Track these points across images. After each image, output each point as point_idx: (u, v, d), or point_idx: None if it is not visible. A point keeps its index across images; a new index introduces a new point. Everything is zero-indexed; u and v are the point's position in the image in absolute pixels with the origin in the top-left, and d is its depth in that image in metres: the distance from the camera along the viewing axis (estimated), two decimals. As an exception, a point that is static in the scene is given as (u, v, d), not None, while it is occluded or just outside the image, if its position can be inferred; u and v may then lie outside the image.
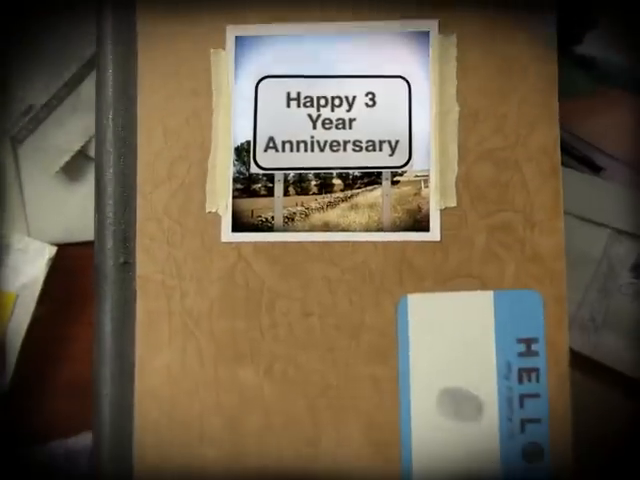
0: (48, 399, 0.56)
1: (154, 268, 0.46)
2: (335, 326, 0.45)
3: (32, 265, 0.52)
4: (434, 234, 0.45)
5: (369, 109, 0.46)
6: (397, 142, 0.45)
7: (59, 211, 0.56)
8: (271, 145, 0.46)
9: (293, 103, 0.46)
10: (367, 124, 0.46)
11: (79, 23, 0.57)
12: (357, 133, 0.46)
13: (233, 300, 0.46)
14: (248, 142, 0.46)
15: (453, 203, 0.45)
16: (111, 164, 0.47)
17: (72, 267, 0.54)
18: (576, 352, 0.51)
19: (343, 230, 0.45)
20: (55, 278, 0.54)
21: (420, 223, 0.45)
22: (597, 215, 0.55)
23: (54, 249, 0.54)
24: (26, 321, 0.51)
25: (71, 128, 0.57)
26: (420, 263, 0.45)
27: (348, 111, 0.46)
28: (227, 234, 0.46)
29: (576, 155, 0.56)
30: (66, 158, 0.56)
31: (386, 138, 0.46)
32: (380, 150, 0.46)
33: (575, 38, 0.57)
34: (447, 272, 0.45)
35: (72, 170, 0.57)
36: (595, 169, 0.56)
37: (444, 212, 0.45)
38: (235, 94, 0.46)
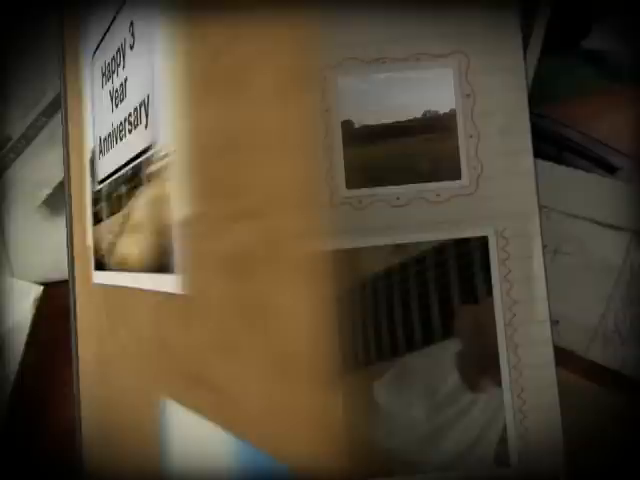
0: (38, 443, 0.53)
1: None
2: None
3: (18, 307, 0.50)
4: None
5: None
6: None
7: (44, 247, 0.53)
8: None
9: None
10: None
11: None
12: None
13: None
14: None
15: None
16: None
17: (61, 306, 0.52)
18: (602, 366, 0.49)
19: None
20: (43, 319, 0.51)
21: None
22: (616, 219, 0.52)
23: (40, 289, 0.51)
24: (15, 366, 0.49)
25: (51, 160, 0.54)
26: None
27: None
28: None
29: (590, 156, 0.53)
30: (47, 191, 0.54)
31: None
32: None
33: (581, 30, 0.54)
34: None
35: (55, 203, 0.55)
36: (611, 170, 0.53)
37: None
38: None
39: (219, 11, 0.35)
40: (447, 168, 0.43)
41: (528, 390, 0.42)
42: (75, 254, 0.44)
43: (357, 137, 0.43)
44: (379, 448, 0.43)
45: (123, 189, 0.41)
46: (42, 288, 0.50)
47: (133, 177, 0.41)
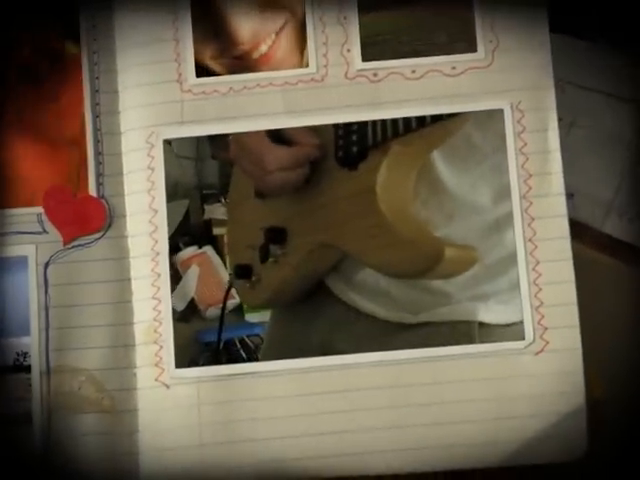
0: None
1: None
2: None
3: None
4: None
5: None
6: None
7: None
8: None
9: None
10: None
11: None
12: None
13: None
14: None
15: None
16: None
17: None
18: (617, 240, 0.49)
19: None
20: None
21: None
22: (632, 92, 0.51)
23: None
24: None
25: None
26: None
27: None
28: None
29: (606, 30, 0.52)
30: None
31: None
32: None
33: None
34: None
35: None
36: (626, 44, 0.52)
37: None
38: None
39: None
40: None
41: (543, 263, 0.42)
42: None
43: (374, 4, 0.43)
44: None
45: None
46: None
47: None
